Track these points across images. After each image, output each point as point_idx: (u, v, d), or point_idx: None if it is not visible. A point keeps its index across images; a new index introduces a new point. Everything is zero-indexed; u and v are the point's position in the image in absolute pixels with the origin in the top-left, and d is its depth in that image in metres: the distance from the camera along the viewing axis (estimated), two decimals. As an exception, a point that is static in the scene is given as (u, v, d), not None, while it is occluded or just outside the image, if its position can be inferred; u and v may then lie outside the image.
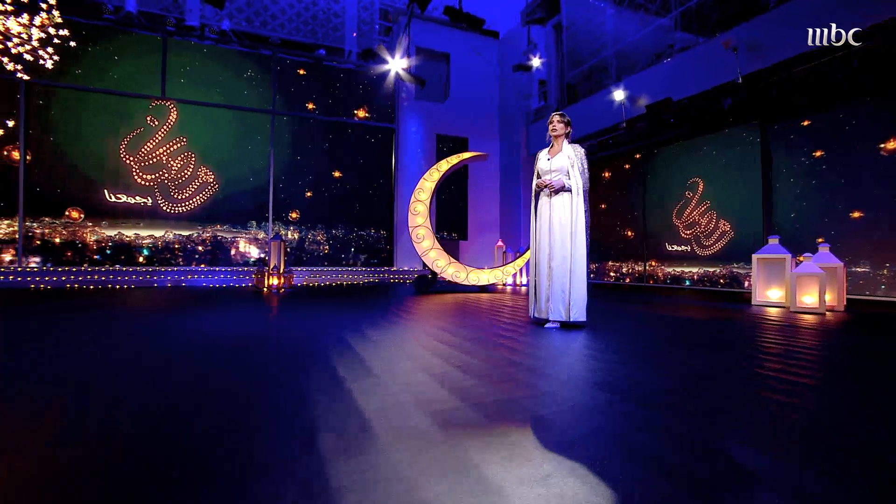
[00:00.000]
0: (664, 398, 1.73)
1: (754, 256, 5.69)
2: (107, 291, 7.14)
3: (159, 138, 9.00)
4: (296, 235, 10.20)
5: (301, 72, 10.23)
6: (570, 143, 3.67)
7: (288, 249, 10.08)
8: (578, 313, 3.47)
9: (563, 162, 3.56)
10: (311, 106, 10.29)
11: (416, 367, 2.20)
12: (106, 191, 8.65)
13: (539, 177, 3.68)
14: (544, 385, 1.89)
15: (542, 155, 3.71)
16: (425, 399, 1.69)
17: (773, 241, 5.69)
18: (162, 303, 5.35)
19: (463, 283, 7.46)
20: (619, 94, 7.78)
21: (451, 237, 11.76)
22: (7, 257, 8.30)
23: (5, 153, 8.19)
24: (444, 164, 7.68)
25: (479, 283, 7.53)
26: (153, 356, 2.44)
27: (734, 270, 7.43)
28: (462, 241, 11.71)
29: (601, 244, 10.03)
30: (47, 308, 4.68)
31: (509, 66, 11.12)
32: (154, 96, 8.97)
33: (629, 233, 9.34)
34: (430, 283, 7.66)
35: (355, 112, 10.76)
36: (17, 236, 8.26)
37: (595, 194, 10.23)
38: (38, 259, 8.36)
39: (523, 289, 8.81)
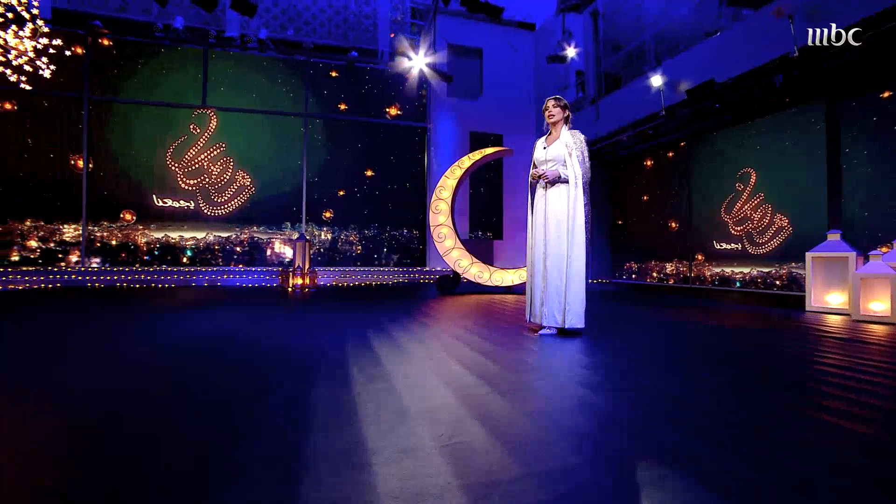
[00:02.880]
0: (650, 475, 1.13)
1: (808, 255, 4.96)
2: (151, 290, 7.58)
3: (201, 145, 9.49)
4: (329, 236, 10.37)
5: (333, 74, 10.39)
6: (570, 129, 3.33)
7: (320, 250, 10.29)
8: (575, 319, 3.13)
9: (560, 150, 3.23)
10: (342, 107, 10.43)
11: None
12: (154, 196, 9.24)
13: (535, 167, 3.37)
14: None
15: (539, 143, 3.39)
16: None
17: (834, 236, 4.93)
18: (192, 302, 5.55)
19: (486, 283, 7.18)
20: (656, 80, 7.16)
21: (485, 237, 11.49)
22: (73, 258, 9.09)
23: (72, 163, 8.99)
24: (467, 161, 7.44)
25: (502, 284, 7.22)
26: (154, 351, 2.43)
27: (793, 271, 6.58)
28: (497, 241, 11.39)
29: (642, 242, 9.33)
30: (100, 307, 4.99)
31: (545, 59, 10.66)
32: (196, 105, 9.47)
33: (673, 230, 8.60)
34: (453, 284, 7.45)
35: (387, 112, 10.78)
36: (80, 239, 9.03)
37: (636, 189, 9.55)
38: (98, 259, 9.09)
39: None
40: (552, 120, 3.30)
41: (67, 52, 8.86)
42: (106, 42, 9.20)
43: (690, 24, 7.39)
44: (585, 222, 3.19)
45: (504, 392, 1.80)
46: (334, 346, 2.73)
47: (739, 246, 7.29)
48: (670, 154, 8.65)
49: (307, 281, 7.49)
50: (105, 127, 9.14)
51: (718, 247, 7.63)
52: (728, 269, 7.47)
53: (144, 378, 2.02)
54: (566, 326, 3.12)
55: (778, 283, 6.81)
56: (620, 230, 10.14)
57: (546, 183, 3.25)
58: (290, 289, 7.37)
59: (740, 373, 2.20)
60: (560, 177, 3.19)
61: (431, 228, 7.29)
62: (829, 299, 4.87)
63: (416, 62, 8.43)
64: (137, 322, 3.79)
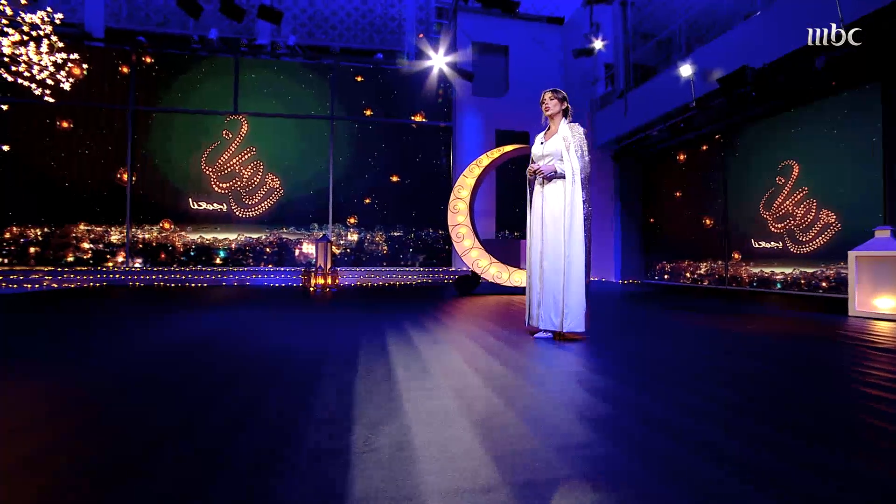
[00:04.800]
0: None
1: (852, 253, 4.51)
2: (185, 289, 7.95)
3: (233, 149, 9.87)
4: (355, 236, 10.52)
5: (359, 79, 10.53)
6: (569, 122, 3.17)
7: (347, 250, 10.45)
8: (574, 323, 2.97)
9: (558, 145, 3.08)
10: (368, 112, 10.54)
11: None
12: (190, 199, 9.70)
13: (533, 163, 3.23)
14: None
15: (538, 138, 3.25)
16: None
17: (883, 233, 4.46)
18: (213, 301, 5.77)
19: (505, 284, 7.04)
20: (685, 70, 6.77)
21: (512, 237, 11.29)
22: (119, 258, 9.70)
23: (118, 170, 9.59)
24: (485, 160, 7.32)
25: (521, 285, 7.04)
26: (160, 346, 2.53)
27: (842, 272, 6.03)
28: (523, 241, 11.13)
29: (675, 241, 8.86)
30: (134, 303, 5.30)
31: (571, 53, 10.34)
32: (228, 112, 9.86)
33: (707, 228, 8.10)
34: (472, 285, 7.35)
35: (412, 112, 10.81)
36: (125, 241, 9.62)
37: (668, 185, 9.08)
38: (140, 260, 9.65)
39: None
40: (549, 113, 3.16)
41: (120, 69, 9.50)
42: (148, 59, 9.76)
43: (724, 8, 6.94)
44: (585, 220, 3.03)
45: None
46: (310, 349, 2.72)
47: (780, 244, 6.77)
48: (704, 148, 8.17)
49: (329, 281, 7.61)
50: (146, 135, 9.68)
51: (757, 245, 7.12)
52: (767, 270, 6.95)
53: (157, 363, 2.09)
54: (564, 330, 2.97)
55: (824, 284, 6.27)
56: (652, 229, 9.68)
57: (543, 179, 3.11)
58: (311, 288, 7.52)
59: (750, 393, 1.99)
60: (556, 172, 3.04)
61: (450, 228, 7.22)
62: (877, 303, 4.40)
63: (437, 61, 8.38)
64: (151, 322, 3.95)
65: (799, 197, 6.51)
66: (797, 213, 6.52)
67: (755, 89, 6.24)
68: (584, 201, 3.03)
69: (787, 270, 6.66)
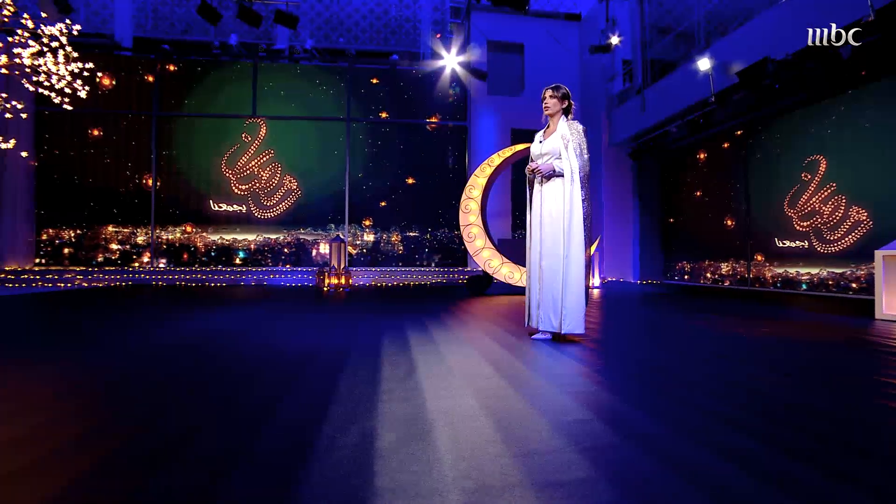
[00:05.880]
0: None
1: (879, 253, 4.28)
2: (205, 289, 8.17)
3: (252, 152, 10.10)
4: (371, 237, 10.61)
5: (374, 80, 10.61)
6: (570, 120, 3.10)
7: (363, 250, 10.55)
8: (572, 324, 2.91)
9: (556, 143, 3.02)
10: (384, 115, 10.61)
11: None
12: (211, 201, 9.97)
13: (533, 161, 3.17)
14: None
15: (537, 136, 3.20)
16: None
17: (913, 232, 4.20)
18: (229, 300, 5.92)
19: (516, 284, 6.96)
20: (704, 63, 6.55)
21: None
22: (145, 258, 10.05)
23: (144, 181, 9.95)
24: (497, 159, 7.26)
25: (534, 285, 6.94)
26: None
27: (874, 272, 5.71)
28: (539, 240, 11.02)
29: (695, 240, 8.59)
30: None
31: (588, 49, 10.15)
32: (247, 115, 10.10)
33: (729, 227, 7.82)
34: (484, 285, 7.30)
35: (427, 113, 10.82)
36: (150, 242, 9.97)
37: (688, 183, 8.81)
38: (164, 260, 9.98)
39: (593, 292, 7.93)
40: (548, 111, 3.09)
41: (145, 77, 9.89)
42: (172, 67, 10.09)
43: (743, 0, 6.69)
44: (584, 219, 2.96)
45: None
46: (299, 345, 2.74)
47: (805, 243, 6.47)
48: (725, 144, 7.89)
49: (342, 280, 7.69)
50: (170, 140, 10.01)
51: (781, 245, 6.83)
52: (792, 270, 6.66)
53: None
54: (562, 332, 2.91)
55: (854, 285, 5.96)
56: (672, 228, 9.42)
57: (541, 178, 3.06)
58: (325, 288, 7.61)
59: (758, 408, 1.89)
60: (555, 171, 2.98)
61: (461, 228, 7.20)
62: (907, 305, 4.16)
63: (451, 61, 8.37)
64: (181, 318, 4.08)
65: (826, 193, 6.21)
66: (824, 211, 6.22)
67: (778, 81, 5.98)
68: (583, 200, 2.96)
69: (814, 271, 6.36)
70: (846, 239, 6.01)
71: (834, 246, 6.13)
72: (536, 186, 3.13)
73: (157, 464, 1.17)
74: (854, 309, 4.98)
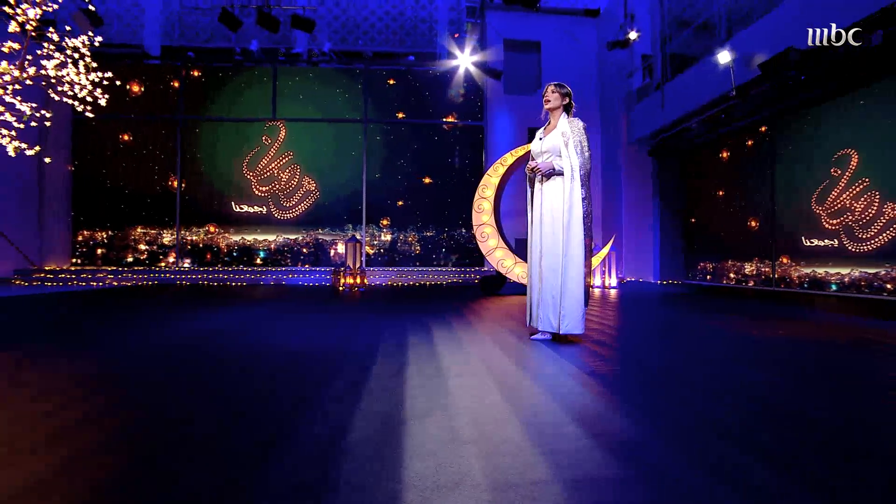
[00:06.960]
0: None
1: (910, 252, 4.02)
2: (227, 288, 8.40)
3: (272, 154, 10.33)
4: (388, 237, 10.69)
5: (391, 81, 10.69)
6: (570, 117, 3.04)
7: (381, 251, 10.64)
8: (571, 324, 2.85)
9: (556, 140, 2.97)
10: (400, 116, 10.68)
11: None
12: (232, 203, 10.25)
13: (533, 159, 3.13)
14: None
15: (537, 134, 3.15)
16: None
17: (949, 229, 3.94)
18: (246, 299, 6.07)
19: (530, 284, 6.87)
20: (724, 56, 6.32)
21: (546, 236, 11.02)
22: (171, 258, 10.41)
23: (169, 178, 10.31)
24: (510, 157, 7.20)
25: (548, 285, 6.85)
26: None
27: (910, 272, 5.40)
28: (557, 240, 10.87)
29: (718, 239, 8.31)
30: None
31: (605, 45, 9.95)
32: (267, 118, 10.33)
33: (753, 226, 7.52)
34: (497, 285, 7.25)
35: (443, 113, 10.83)
36: (175, 242, 10.32)
37: (710, 181, 8.52)
38: (189, 260, 10.31)
39: (609, 292, 7.76)
40: (549, 107, 3.05)
41: (171, 83, 10.26)
42: (196, 73, 10.41)
43: (768, -13, 6.41)
44: (585, 218, 2.90)
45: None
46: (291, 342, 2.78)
47: (835, 242, 6.16)
48: (749, 141, 7.59)
49: (357, 280, 7.77)
50: (194, 144, 10.33)
51: (808, 243, 6.52)
52: (821, 270, 6.36)
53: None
54: (561, 332, 2.86)
55: (889, 286, 5.64)
56: (693, 227, 9.13)
57: (541, 176, 3.01)
58: (340, 288, 7.71)
59: (768, 417, 1.81)
60: (554, 169, 2.93)
61: (474, 228, 7.17)
62: (942, 308, 3.90)
63: (466, 61, 8.35)
64: (211, 316, 4.21)
65: (858, 189, 5.90)
66: (856, 208, 5.91)
67: (803, 72, 5.72)
68: (583, 199, 2.90)
69: (844, 271, 6.05)
70: (880, 237, 5.69)
71: (866, 245, 5.82)
72: (537, 185, 3.08)
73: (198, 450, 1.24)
74: (891, 312, 4.72)
